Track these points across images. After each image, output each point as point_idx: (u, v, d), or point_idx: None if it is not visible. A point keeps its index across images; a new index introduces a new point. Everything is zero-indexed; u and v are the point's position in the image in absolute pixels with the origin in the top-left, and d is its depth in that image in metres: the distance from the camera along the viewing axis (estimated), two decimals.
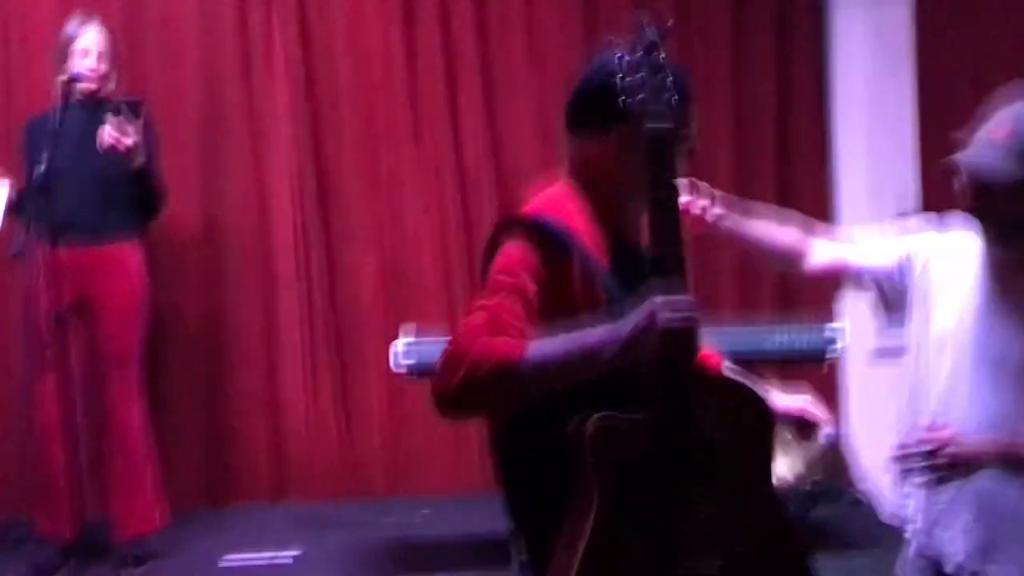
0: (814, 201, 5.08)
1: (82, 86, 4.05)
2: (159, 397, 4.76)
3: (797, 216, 2.57)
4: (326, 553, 4.33)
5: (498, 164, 5.26)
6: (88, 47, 4.09)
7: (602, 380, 1.69)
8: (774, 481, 1.82)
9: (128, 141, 3.86)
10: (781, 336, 4.18)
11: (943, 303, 2.21)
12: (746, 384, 1.81)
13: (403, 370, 4.11)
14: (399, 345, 4.14)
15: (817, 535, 4.22)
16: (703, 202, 2.27)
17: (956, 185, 2.16)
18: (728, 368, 2.07)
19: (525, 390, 1.69)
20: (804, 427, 2.09)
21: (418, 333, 4.20)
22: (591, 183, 1.88)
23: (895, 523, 2.37)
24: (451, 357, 1.69)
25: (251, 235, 5.06)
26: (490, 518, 4.52)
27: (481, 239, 5.28)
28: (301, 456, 5.05)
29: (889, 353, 2.72)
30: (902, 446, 2.08)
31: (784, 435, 2.07)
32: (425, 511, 4.83)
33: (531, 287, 1.74)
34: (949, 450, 2.04)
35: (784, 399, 2.08)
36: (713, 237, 2.34)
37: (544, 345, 1.67)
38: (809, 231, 2.46)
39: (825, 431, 2.11)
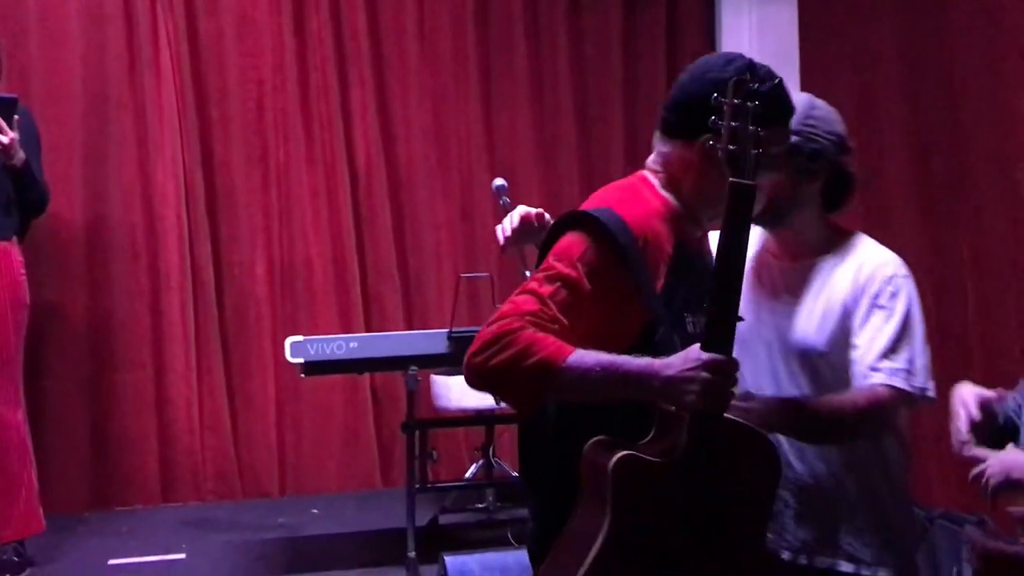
0: None
1: None
2: (43, 399, 4.67)
3: None
4: (215, 554, 4.29)
5: (390, 161, 5.27)
6: None
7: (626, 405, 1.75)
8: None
9: (4, 139, 3.77)
10: None
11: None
12: (762, 433, 1.82)
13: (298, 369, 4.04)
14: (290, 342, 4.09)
15: None
16: None
17: None
18: None
19: (557, 393, 1.74)
20: None
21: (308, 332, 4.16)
22: (671, 180, 1.93)
23: None
24: (496, 337, 1.71)
25: (137, 233, 4.97)
26: (381, 514, 4.58)
27: (373, 235, 5.34)
28: (191, 457, 4.98)
29: None
30: None
31: None
32: (314, 510, 4.82)
33: (585, 283, 1.77)
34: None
35: None
36: None
37: (587, 357, 1.69)
38: None
39: None
